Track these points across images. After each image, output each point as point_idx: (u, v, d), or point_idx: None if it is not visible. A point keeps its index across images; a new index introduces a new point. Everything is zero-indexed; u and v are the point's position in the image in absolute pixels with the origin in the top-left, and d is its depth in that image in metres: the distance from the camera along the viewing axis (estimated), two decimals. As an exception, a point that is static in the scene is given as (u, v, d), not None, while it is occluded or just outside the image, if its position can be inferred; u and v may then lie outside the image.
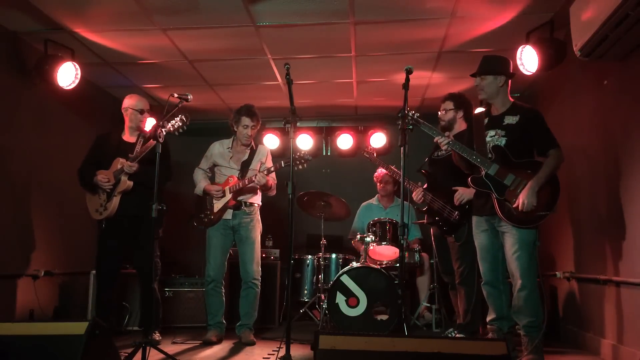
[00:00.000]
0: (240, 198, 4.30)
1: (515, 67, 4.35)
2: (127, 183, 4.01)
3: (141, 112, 4.21)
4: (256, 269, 4.29)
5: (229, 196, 4.27)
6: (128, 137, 4.23)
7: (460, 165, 3.65)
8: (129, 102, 4.24)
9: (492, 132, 3.47)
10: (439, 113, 4.19)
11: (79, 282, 4.96)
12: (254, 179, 4.14)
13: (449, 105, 4.15)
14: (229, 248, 4.38)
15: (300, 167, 3.96)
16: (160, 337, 4.17)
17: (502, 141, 3.41)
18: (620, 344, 3.47)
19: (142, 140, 4.13)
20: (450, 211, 4.01)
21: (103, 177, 4.03)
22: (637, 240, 3.30)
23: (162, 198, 3.47)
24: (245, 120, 4.31)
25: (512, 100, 3.54)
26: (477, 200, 3.58)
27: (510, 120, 3.43)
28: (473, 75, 3.56)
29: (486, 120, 3.54)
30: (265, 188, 4.33)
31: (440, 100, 4.28)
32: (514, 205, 3.27)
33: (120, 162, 4.02)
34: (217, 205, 4.30)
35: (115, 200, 4.01)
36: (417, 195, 4.16)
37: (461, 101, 4.16)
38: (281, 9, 4.06)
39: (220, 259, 4.30)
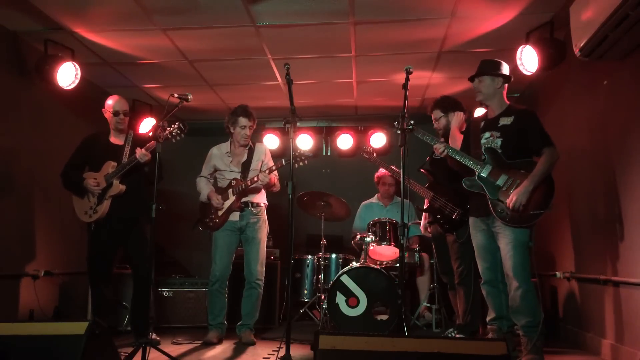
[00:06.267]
0: (245, 199, 4.29)
1: (515, 67, 4.36)
2: (119, 187, 3.96)
3: (116, 113, 4.10)
4: (260, 270, 4.29)
5: (232, 198, 4.26)
6: (114, 139, 4.16)
7: (456, 167, 3.67)
8: (107, 104, 4.14)
9: (487, 134, 3.51)
10: (433, 125, 4.21)
11: (79, 282, 4.96)
12: (256, 179, 4.14)
13: (438, 113, 4.18)
14: (235, 249, 4.37)
15: (300, 163, 3.97)
16: (158, 338, 4.17)
17: (498, 142, 3.44)
18: (620, 344, 3.47)
19: (131, 142, 4.10)
20: (451, 209, 4.03)
21: (93, 182, 3.98)
22: (637, 240, 3.30)
23: (156, 198, 3.47)
24: (243, 121, 4.31)
25: (508, 102, 3.58)
26: (472, 202, 3.60)
27: (505, 121, 3.47)
28: (471, 79, 3.58)
29: (482, 123, 3.58)
30: (268, 186, 4.33)
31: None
32: (507, 203, 3.28)
33: (111, 166, 3.98)
34: (222, 208, 4.30)
35: (106, 204, 3.96)
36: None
37: (446, 104, 4.18)
38: (281, 9, 4.06)
39: (226, 260, 4.30)
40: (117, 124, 4.13)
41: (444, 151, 3.55)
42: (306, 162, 4.01)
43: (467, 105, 4.36)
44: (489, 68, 3.54)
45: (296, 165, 3.90)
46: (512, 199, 3.26)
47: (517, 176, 3.33)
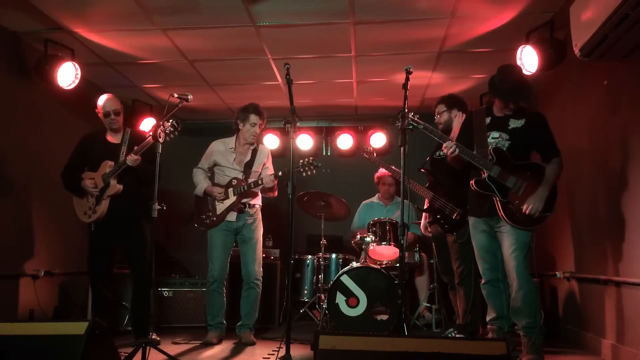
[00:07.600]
0: (243, 200, 4.29)
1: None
2: (117, 187, 3.97)
3: (106, 115, 4.07)
4: (258, 270, 4.29)
5: (233, 198, 4.24)
6: (111, 137, 4.15)
7: (456, 167, 3.65)
8: (98, 105, 4.11)
9: (495, 134, 3.46)
10: (435, 118, 4.21)
11: (79, 282, 4.96)
12: (260, 182, 4.13)
13: (442, 107, 4.17)
14: (231, 248, 4.37)
15: (309, 173, 3.96)
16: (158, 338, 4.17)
17: (506, 144, 3.41)
18: (620, 344, 3.47)
19: (127, 140, 4.09)
20: (452, 209, 4.02)
21: (90, 183, 3.98)
22: (637, 240, 3.30)
23: (155, 197, 3.46)
24: (254, 118, 4.29)
25: None
26: (474, 202, 3.57)
27: (515, 124, 3.43)
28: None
29: (488, 120, 3.53)
30: (268, 190, 4.31)
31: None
32: (523, 209, 3.27)
33: (108, 165, 3.97)
34: (221, 207, 4.27)
35: (105, 204, 3.96)
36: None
37: (452, 100, 4.17)
38: (281, 9, 4.06)
39: (223, 260, 4.29)
40: (109, 125, 4.12)
41: (455, 150, 3.45)
42: (314, 171, 4.00)
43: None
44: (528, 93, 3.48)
45: (304, 175, 3.91)
46: (530, 205, 3.25)
47: (524, 178, 3.33)
